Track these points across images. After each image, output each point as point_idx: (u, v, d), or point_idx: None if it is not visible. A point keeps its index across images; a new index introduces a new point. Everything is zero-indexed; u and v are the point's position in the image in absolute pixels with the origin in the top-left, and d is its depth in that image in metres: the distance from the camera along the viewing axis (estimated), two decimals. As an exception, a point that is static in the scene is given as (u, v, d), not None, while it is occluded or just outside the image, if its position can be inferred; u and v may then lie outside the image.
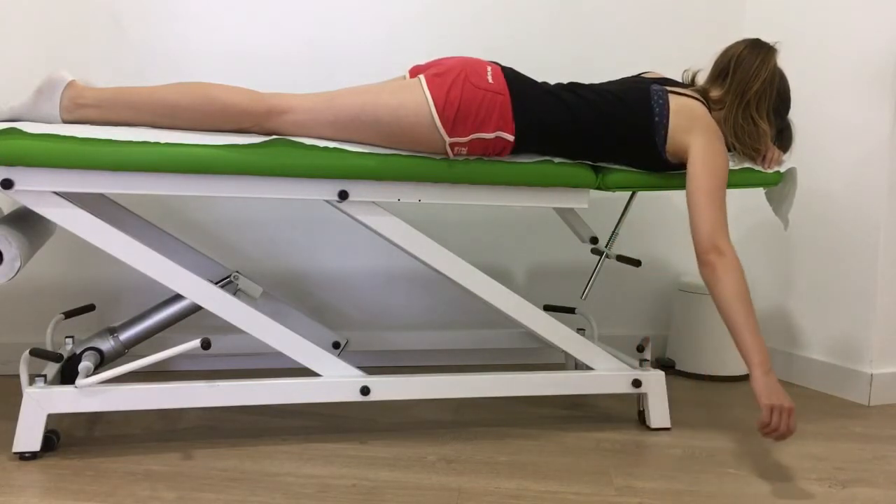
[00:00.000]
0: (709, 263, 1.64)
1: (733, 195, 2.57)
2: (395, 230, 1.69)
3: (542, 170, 1.71)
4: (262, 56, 2.26)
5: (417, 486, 1.46)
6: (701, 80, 1.90)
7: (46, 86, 1.53)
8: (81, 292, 2.23)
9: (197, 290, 1.60)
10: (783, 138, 1.87)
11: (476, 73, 1.62)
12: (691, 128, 1.71)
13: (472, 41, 2.36)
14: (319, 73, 2.29)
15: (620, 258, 2.04)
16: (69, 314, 1.91)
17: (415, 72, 1.72)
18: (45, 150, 1.46)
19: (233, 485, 1.44)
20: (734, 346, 2.33)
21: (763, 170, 1.82)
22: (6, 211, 1.67)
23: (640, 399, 1.86)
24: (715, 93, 1.81)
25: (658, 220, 2.54)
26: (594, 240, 2.01)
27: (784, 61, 1.82)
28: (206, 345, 1.56)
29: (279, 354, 1.65)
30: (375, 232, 1.68)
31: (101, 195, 1.83)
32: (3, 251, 1.47)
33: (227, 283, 1.95)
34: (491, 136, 1.63)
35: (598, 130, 1.70)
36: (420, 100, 1.59)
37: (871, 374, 2.11)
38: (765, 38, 1.82)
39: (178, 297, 1.79)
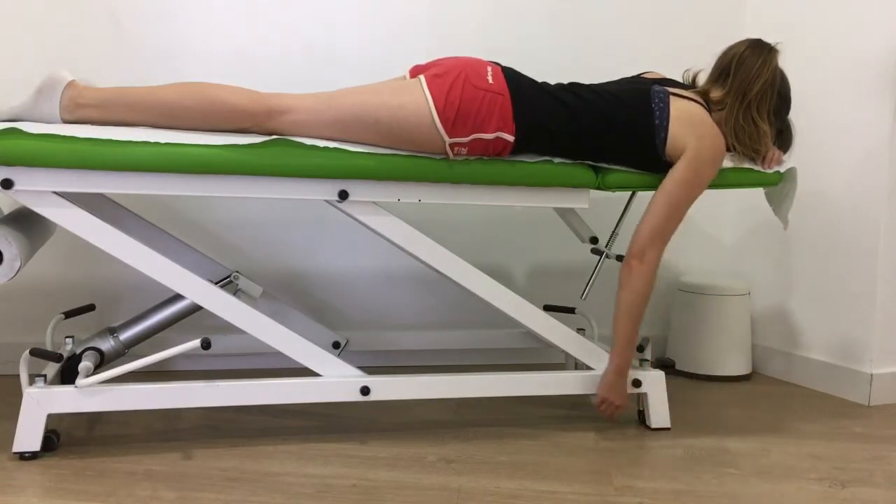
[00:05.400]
0: (628, 265, 1.73)
1: (733, 195, 2.57)
2: (395, 230, 1.69)
3: (543, 170, 1.71)
4: (262, 56, 2.26)
5: (417, 486, 1.46)
6: (702, 81, 1.89)
7: (46, 86, 1.53)
8: (81, 292, 2.23)
9: (197, 290, 1.60)
10: (783, 139, 1.86)
11: (476, 74, 1.62)
12: (690, 133, 1.71)
13: (472, 41, 2.36)
14: (319, 73, 2.29)
15: (620, 258, 2.04)
16: (69, 314, 1.91)
17: (415, 72, 1.72)
18: (45, 150, 1.46)
19: (233, 485, 1.44)
20: (734, 346, 2.34)
21: (763, 170, 1.82)
22: (6, 211, 1.67)
23: (640, 399, 1.86)
24: (715, 93, 1.81)
25: (658, 220, 2.53)
26: (594, 240, 2.01)
27: (784, 61, 1.82)
28: (206, 345, 1.56)
29: (279, 354, 1.65)
30: (375, 232, 1.68)
31: (101, 195, 1.83)
32: (3, 251, 1.47)
33: (227, 283, 1.95)
34: (491, 136, 1.63)
35: (598, 131, 1.70)
36: (420, 100, 1.59)
37: (871, 374, 2.11)
38: (765, 39, 1.81)
39: (178, 297, 1.79)
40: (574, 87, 1.73)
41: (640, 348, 1.84)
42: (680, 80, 1.91)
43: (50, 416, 1.53)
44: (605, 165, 1.77)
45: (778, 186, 1.88)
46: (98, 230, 1.54)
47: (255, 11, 2.25)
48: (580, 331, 2.10)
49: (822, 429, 1.89)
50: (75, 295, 2.23)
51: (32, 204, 1.51)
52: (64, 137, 1.47)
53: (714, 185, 1.78)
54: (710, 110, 1.78)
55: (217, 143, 1.53)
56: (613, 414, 1.79)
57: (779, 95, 1.79)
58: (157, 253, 1.57)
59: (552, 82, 1.78)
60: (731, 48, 1.83)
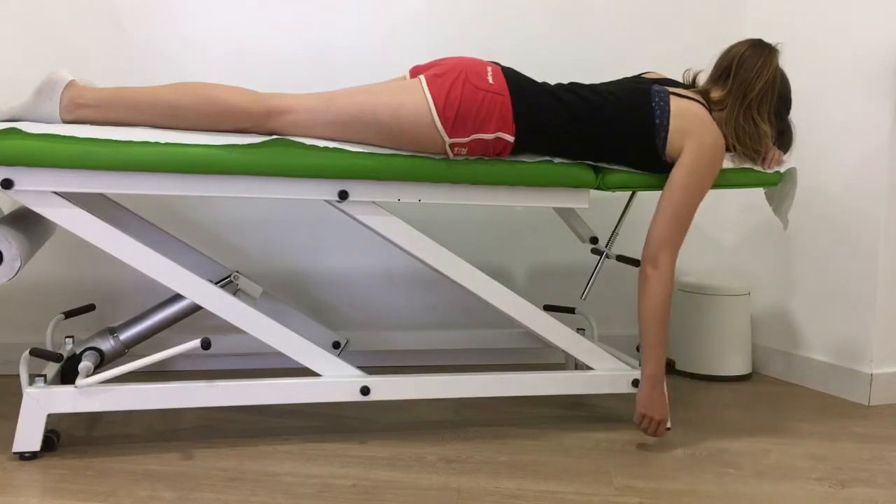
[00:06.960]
0: (644, 272, 1.70)
1: (733, 195, 2.57)
2: (395, 230, 1.69)
3: (543, 170, 1.71)
4: (262, 56, 2.26)
5: (417, 486, 1.46)
6: (702, 81, 1.89)
7: (46, 86, 1.53)
8: (81, 292, 2.23)
9: (197, 290, 1.60)
10: (784, 139, 1.86)
11: (476, 74, 1.62)
12: (690, 133, 1.71)
13: (472, 41, 2.36)
14: (319, 73, 2.29)
15: (620, 258, 2.04)
16: (69, 314, 1.91)
17: (415, 72, 1.72)
18: (45, 150, 1.46)
19: (233, 485, 1.44)
20: (734, 346, 2.34)
21: (763, 170, 1.82)
22: (6, 211, 1.67)
23: (640, 399, 1.86)
24: (716, 94, 1.81)
25: (658, 220, 2.53)
26: (594, 240, 2.01)
27: (784, 61, 1.82)
28: (206, 345, 1.56)
29: (279, 354, 1.65)
30: (375, 232, 1.68)
31: (101, 195, 1.83)
32: (3, 251, 1.47)
33: (227, 283, 1.95)
34: (491, 136, 1.62)
35: (598, 131, 1.70)
36: (420, 100, 1.59)
37: (871, 374, 2.11)
38: (766, 39, 1.81)
39: (178, 297, 1.79)
40: (574, 86, 1.73)
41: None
42: (680, 80, 1.91)
43: (50, 416, 1.53)
44: (606, 165, 1.77)
45: (778, 186, 1.88)
46: (98, 230, 1.54)
47: (255, 12, 2.25)
48: (580, 331, 2.09)
49: (822, 429, 1.89)
50: (75, 295, 2.23)
51: (32, 204, 1.51)
52: (64, 137, 1.47)
53: (714, 186, 1.78)
54: (710, 110, 1.78)
55: (217, 143, 1.53)
56: (657, 430, 1.70)
57: (779, 96, 1.79)
58: (157, 253, 1.57)
59: (552, 82, 1.78)
60: (731, 48, 1.82)
